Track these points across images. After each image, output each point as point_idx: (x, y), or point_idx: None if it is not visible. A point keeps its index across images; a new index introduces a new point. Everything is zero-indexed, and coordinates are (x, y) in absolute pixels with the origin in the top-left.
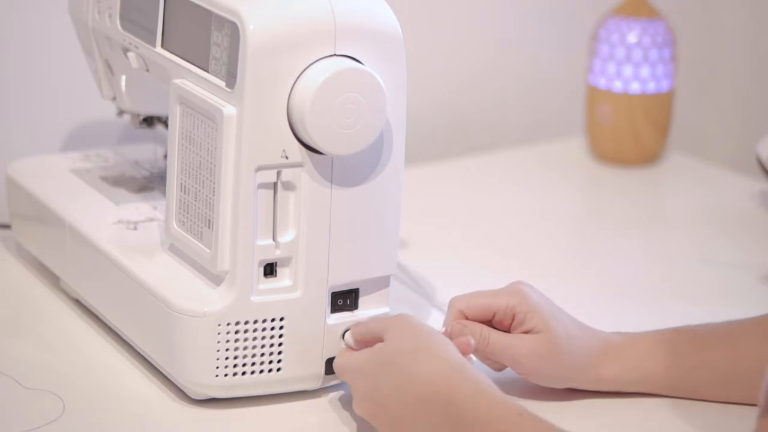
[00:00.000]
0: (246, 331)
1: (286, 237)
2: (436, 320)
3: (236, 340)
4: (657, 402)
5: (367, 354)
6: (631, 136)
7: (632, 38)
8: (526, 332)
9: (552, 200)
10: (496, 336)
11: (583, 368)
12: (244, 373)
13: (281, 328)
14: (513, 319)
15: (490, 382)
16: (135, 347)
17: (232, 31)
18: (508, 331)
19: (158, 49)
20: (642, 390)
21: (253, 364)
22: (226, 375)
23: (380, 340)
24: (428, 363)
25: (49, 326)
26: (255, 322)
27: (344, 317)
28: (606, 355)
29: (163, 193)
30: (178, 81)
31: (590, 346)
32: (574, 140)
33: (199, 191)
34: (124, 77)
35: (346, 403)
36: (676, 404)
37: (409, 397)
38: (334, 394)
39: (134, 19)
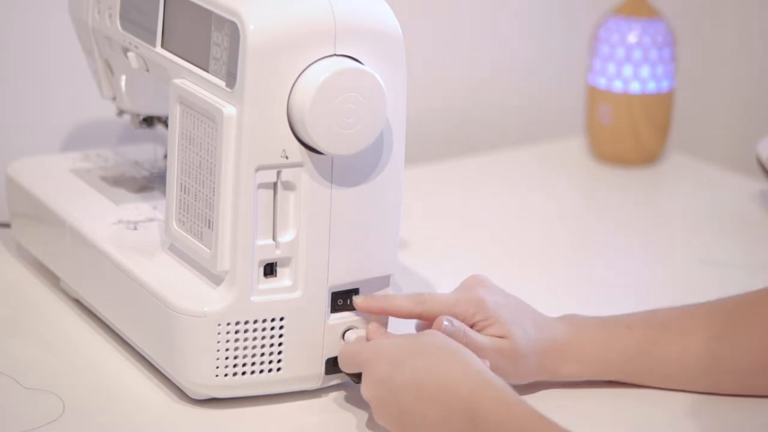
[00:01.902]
0: (246, 331)
1: (286, 237)
2: None
3: (236, 340)
4: (663, 400)
5: (392, 340)
6: (631, 136)
7: (632, 38)
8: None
9: (552, 200)
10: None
11: (543, 369)
12: (244, 373)
13: (281, 328)
14: (473, 326)
15: (510, 389)
16: (135, 347)
17: (232, 31)
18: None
19: (158, 49)
20: (603, 379)
21: (253, 364)
22: (226, 375)
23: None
24: (453, 363)
25: (49, 326)
26: (255, 322)
27: (344, 317)
28: (562, 353)
29: (163, 193)
30: (178, 81)
31: (546, 347)
32: (574, 140)
33: (199, 191)
34: (124, 77)
35: (346, 403)
36: (683, 402)
37: (426, 392)
38: (334, 394)
39: (134, 19)
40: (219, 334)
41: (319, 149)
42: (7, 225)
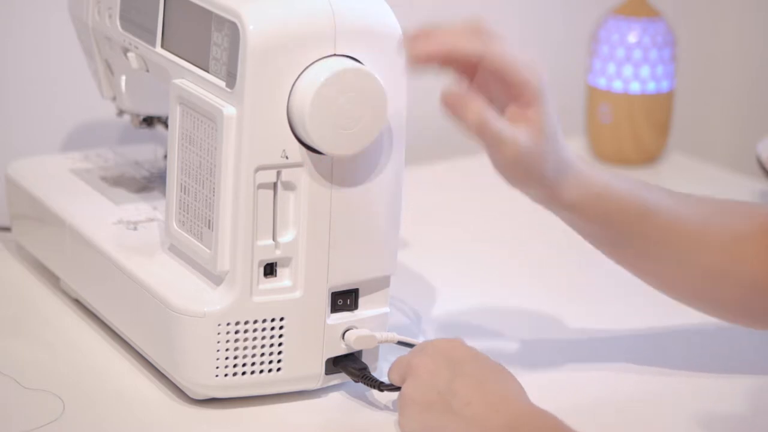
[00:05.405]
0: (246, 331)
1: (286, 237)
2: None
3: (236, 340)
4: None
5: (443, 361)
6: (631, 136)
7: (632, 38)
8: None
9: None
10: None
11: (553, 177)
12: (244, 373)
13: (281, 328)
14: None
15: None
16: (135, 347)
17: (232, 31)
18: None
19: (158, 49)
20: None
21: (253, 364)
22: (226, 375)
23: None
24: (506, 383)
25: (49, 326)
26: (255, 322)
27: (344, 317)
28: (575, 169)
29: (163, 193)
30: (178, 81)
31: (565, 152)
32: (574, 140)
33: (199, 191)
34: (124, 77)
35: (346, 403)
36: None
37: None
38: (334, 394)
39: (134, 19)
40: (219, 334)
41: (319, 149)
42: (7, 229)
